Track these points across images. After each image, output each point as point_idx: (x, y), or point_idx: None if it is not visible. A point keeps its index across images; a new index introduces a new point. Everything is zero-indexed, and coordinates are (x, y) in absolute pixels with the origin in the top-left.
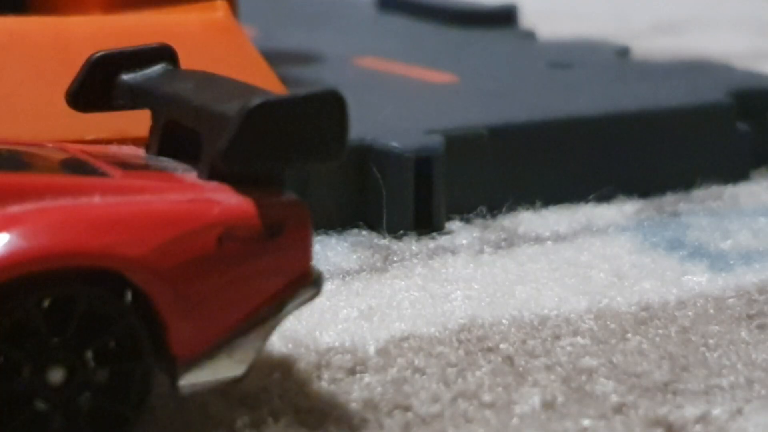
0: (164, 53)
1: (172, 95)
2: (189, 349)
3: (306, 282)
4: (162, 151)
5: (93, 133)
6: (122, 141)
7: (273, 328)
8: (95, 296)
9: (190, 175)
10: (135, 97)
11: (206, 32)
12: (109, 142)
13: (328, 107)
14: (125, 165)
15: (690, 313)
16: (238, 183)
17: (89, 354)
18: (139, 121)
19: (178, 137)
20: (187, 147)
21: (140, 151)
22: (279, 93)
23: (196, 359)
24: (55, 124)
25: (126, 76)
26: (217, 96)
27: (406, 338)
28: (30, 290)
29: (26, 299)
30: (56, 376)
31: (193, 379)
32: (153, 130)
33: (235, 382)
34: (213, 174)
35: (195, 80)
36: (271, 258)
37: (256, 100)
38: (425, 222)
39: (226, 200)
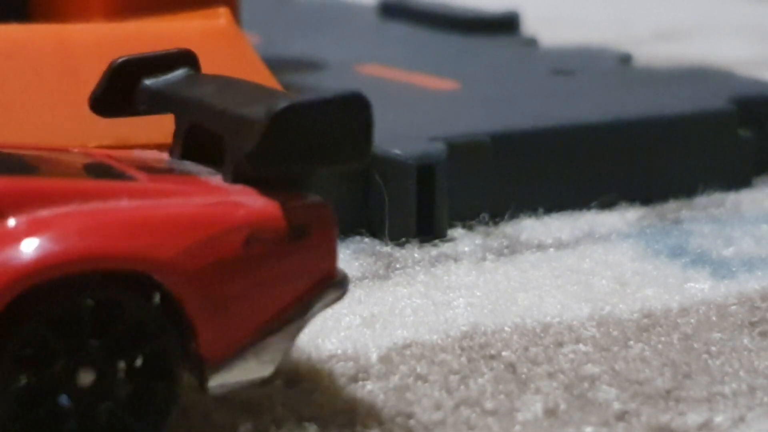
0: (186, 58)
1: (195, 99)
2: (217, 351)
3: (331, 283)
4: (190, 155)
5: (97, 140)
6: (131, 148)
7: (300, 328)
8: (137, 305)
9: (214, 179)
10: (158, 102)
11: (209, 39)
12: (117, 149)
13: (353, 110)
14: (150, 169)
15: (692, 321)
16: (262, 185)
17: (122, 363)
18: (147, 128)
19: (199, 141)
20: (209, 151)
21: (163, 155)
22: (308, 96)
23: (225, 361)
24: (56, 132)
25: (148, 81)
26: (241, 99)
27: (408, 345)
28: (63, 294)
29: (57, 304)
30: (85, 378)
31: (222, 380)
32: (176, 134)
33: (263, 382)
34: (237, 177)
35: (217, 84)
36: (296, 259)
37: (282, 103)
38: (427, 229)
39: (252, 203)
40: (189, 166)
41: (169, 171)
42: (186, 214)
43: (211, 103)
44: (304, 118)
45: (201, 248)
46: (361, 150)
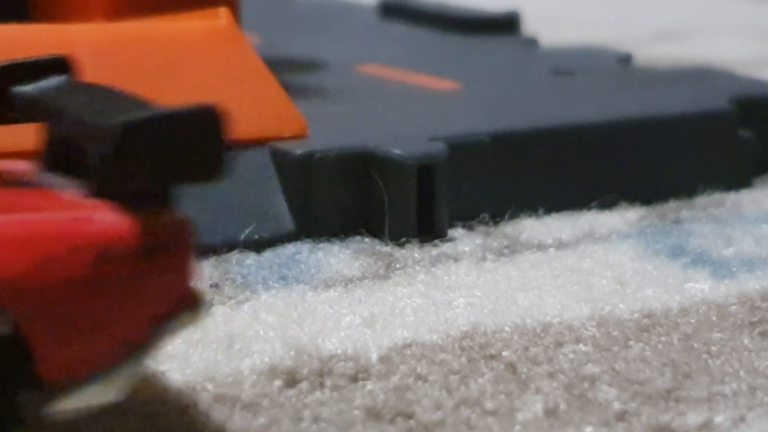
0: (61, 65)
1: (62, 108)
2: (60, 374)
3: (186, 304)
4: (57, 166)
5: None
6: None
7: (150, 352)
8: None
9: (71, 193)
10: (28, 110)
11: (209, 40)
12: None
13: (205, 124)
14: (3, 182)
15: (692, 321)
16: (122, 200)
17: None
18: None
19: (73, 152)
20: (77, 162)
21: (29, 167)
22: (161, 109)
23: (68, 384)
24: None
25: (20, 88)
26: (104, 110)
27: (408, 345)
28: None
29: None
30: None
31: (65, 404)
32: (45, 144)
33: (110, 406)
34: (97, 191)
35: (89, 94)
36: (148, 279)
37: (131, 116)
38: (428, 229)
39: (103, 219)
40: (50, 178)
41: (25, 184)
42: (30, 231)
43: (76, 113)
44: (154, 131)
45: (44, 267)
46: (214, 166)
